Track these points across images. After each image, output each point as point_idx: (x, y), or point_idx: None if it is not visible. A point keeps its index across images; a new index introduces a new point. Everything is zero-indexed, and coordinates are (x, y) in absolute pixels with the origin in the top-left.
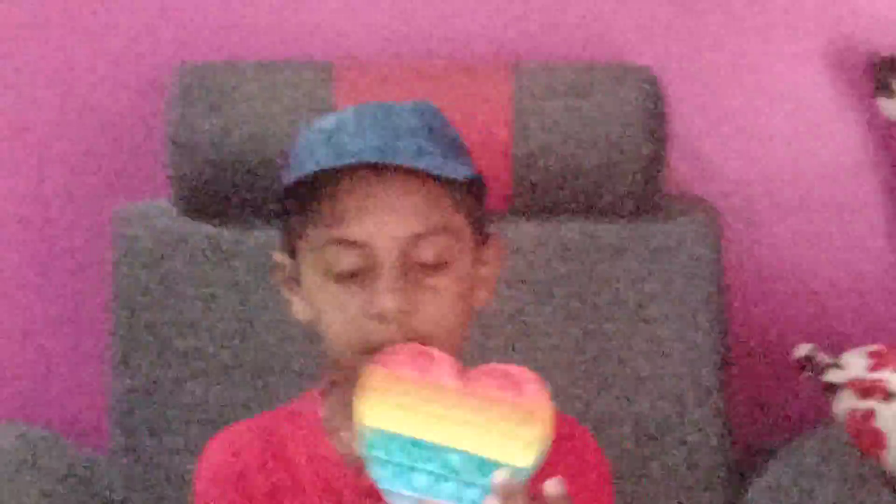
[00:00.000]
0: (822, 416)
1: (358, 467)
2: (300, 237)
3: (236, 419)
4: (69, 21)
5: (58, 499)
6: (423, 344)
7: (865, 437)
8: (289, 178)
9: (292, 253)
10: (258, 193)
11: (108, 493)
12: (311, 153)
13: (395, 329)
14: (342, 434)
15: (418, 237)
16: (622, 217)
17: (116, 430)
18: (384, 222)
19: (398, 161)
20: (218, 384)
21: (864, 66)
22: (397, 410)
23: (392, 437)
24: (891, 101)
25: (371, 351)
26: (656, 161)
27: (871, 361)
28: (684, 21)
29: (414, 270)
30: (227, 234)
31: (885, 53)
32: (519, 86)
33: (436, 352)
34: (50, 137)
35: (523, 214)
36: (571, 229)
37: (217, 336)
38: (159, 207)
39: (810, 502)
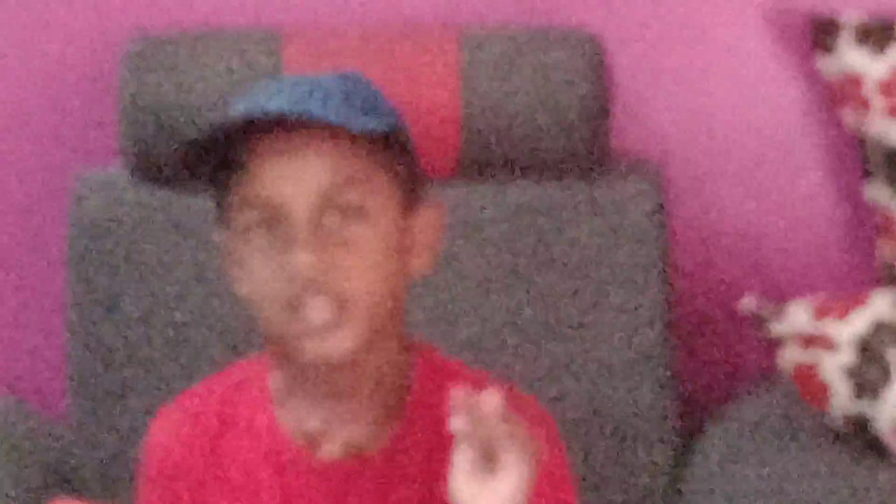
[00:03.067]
0: (769, 368)
1: (308, 443)
2: (227, 201)
3: (194, 384)
4: None
5: (20, 463)
6: (343, 300)
7: (811, 387)
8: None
9: (222, 217)
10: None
11: (69, 458)
12: (239, 101)
13: (313, 283)
14: (291, 407)
15: (330, 190)
16: (568, 179)
17: (75, 395)
18: (294, 178)
19: (312, 112)
20: (175, 349)
21: (804, 23)
22: None
23: None
24: (828, 60)
25: (296, 307)
26: (600, 123)
27: (813, 310)
28: None
29: (329, 225)
30: (179, 200)
31: (823, 11)
32: (465, 51)
33: None
34: (4, 105)
35: (471, 178)
36: (517, 192)
37: (173, 300)
38: (114, 174)
39: (757, 457)
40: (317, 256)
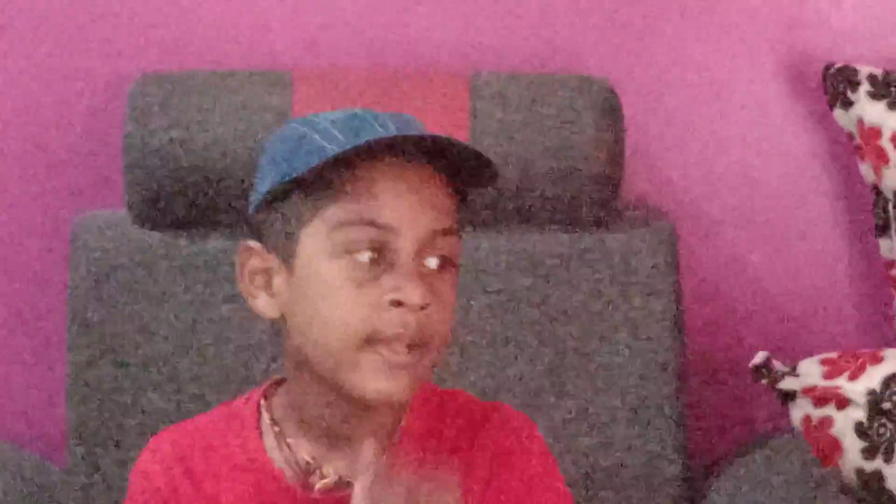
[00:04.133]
0: (779, 425)
1: (299, 477)
2: (306, 222)
3: None
4: (29, 31)
5: None
6: (423, 345)
7: (822, 444)
8: (305, 162)
9: (290, 230)
10: (214, 203)
11: (65, 502)
12: (331, 140)
13: (411, 322)
14: (289, 440)
15: (436, 233)
16: (580, 228)
17: (74, 440)
18: (414, 210)
19: (446, 139)
20: (175, 394)
21: (820, 77)
22: None
23: None
24: (845, 112)
25: (376, 342)
26: (614, 172)
27: (825, 369)
28: (641, 32)
29: (428, 266)
30: (182, 244)
31: (839, 64)
32: (476, 96)
33: None
34: (10, 146)
35: (482, 226)
36: (529, 240)
37: (173, 345)
38: (116, 216)
39: None
40: (426, 294)
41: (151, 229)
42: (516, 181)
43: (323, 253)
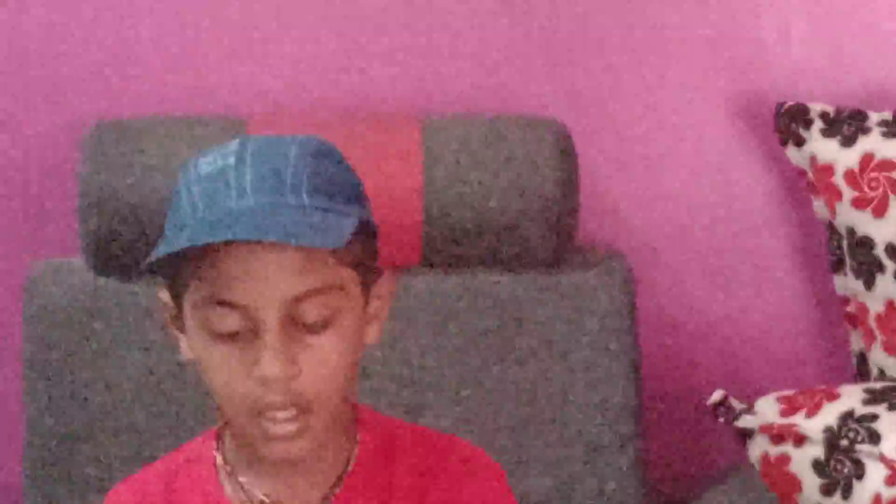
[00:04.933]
0: (737, 462)
1: None
2: (185, 287)
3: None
4: None
5: None
6: (307, 408)
7: (780, 481)
8: (172, 239)
9: (176, 294)
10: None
11: None
12: (192, 210)
13: (279, 392)
14: (240, 479)
15: (300, 298)
16: (535, 268)
17: (31, 489)
18: (265, 285)
19: (275, 237)
20: (133, 441)
21: (772, 115)
22: None
23: None
24: (798, 150)
25: (260, 413)
26: (569, 211)
27: (782, 406)
28: (593, 73)
29: (297, 330)
30: (138, 290)
31: (791, 102)
32: (429, 138)
33: None
34: None
35: (436, 267)
36: (484, 281)
37: (131, 392)
38: (72, 264)
39: None
40: (285, 365)
41: (107, 276)
42: (471, 222)
43: (194, 323)
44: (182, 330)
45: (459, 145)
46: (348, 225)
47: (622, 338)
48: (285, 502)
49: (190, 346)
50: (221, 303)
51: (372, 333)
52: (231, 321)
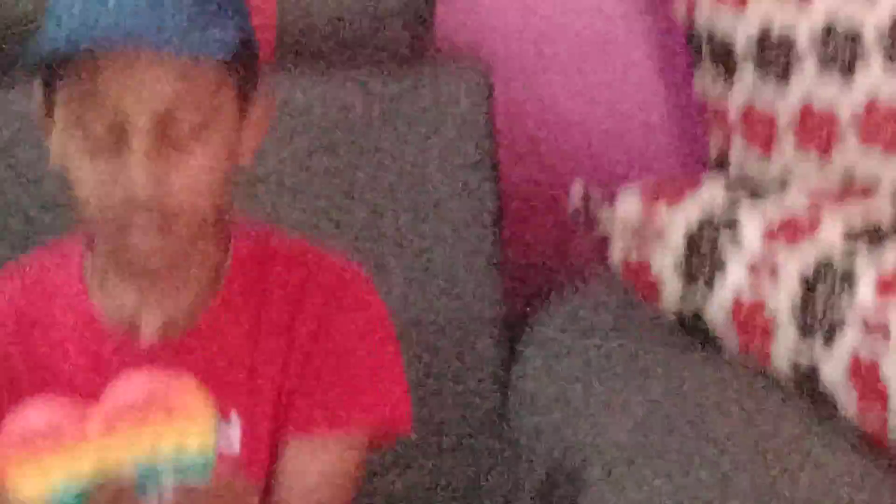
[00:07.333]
0: (597, 264)
1: (126, 328)
2: (56, 89)
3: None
4: None
5: None
6: (171, 216)
7: (642, 284)
8: (44, 38)
9: (49, 88)
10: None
11: None
12: (69, 10)
13: (144, 207)
14: (107, 291)
15: (174, 108)
16: (392, 70)
17: None
18: (140, 90)
19: (156, 44)
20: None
21: None
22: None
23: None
24: None
25: (122, 227)
26: (424, 10)
27: (644, 197)
28: None
29: (167, 143)
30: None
31: None
32: None
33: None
34: None
35: (290, 66)
36: (338, 83)
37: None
38: None
39: (585, 354)
40: (151, 173)
41: None
42: (326, 19)
43: (64, 125)
44: (50, 131)
45: None
46: (228, 35)
47: (481, 140)
48: (152, 313)
49: (57, 149)
50: (92, 103)
51: (245, 157)
52: (102, 126)
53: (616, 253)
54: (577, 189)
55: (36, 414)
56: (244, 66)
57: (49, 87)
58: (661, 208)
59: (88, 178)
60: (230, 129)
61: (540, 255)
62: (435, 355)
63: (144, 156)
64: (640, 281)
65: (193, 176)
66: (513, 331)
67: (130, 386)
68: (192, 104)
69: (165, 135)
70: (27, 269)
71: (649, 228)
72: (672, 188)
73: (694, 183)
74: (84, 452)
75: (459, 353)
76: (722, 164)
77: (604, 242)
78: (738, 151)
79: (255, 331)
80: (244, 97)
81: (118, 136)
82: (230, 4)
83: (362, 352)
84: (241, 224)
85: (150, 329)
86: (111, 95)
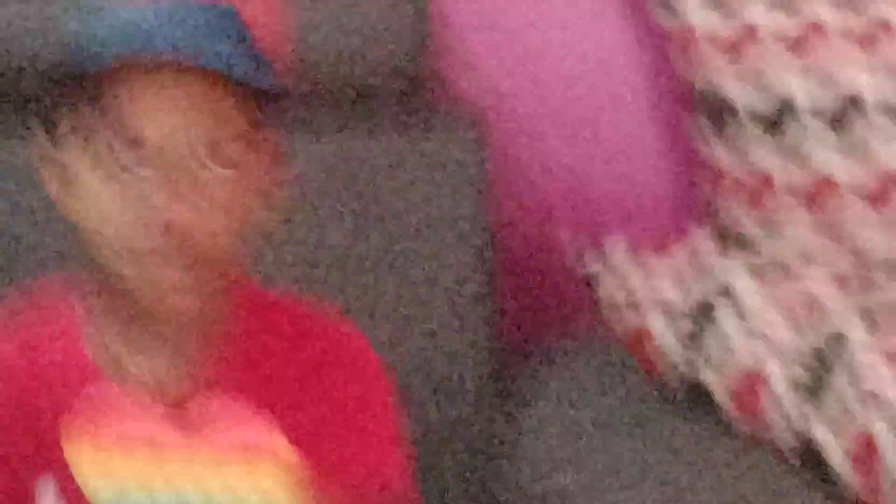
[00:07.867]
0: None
1: (116, 376)
2: (73, 119)
3: None
4: None
5: None
6: (200, 258)
7: (640, 351)
8: (80, 58)
9: (50, 129)
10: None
11: None
12: (88, 25)
13: (173, 241)
14: (104, 338)
15: (210, 138)
16: (387, 125)
17: None
18: (173, 117)
19: (206, 62)
20: None
21: None
22: (122, 472)
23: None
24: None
25: (148, 260)
26: (419, 58)
27: (631, 246)
28: None
29: (194, 170)
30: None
31: None
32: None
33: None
34: None
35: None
36: (332, 141)
37: None
38: None
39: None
40: (185, 208)
41: None
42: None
43: (84, 159)
44: (54, 174)
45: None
46: (249, 59)
47: (475, 193)
48: (146, 368)
49: (66, 180)
50: (110, 120)
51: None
52: (132, 155)
53: (607, 308)
54: (573, 243)
55: (133, 414)
56: (270, 101)
57: (50, 122)
58: (651, 260)
59: (102, 202)
60: (258, 173)
61: (535, 310)
62: (429, 413)
63: (177, 186)
64: (637, 345)
65: (225, 217)
66: (507, 384)
67: (233, 419)
68: (227, 138)
69: (198, 173)
70: (16, 317)
71: (640, 285)
72: (659, 239)
73: (682, 233)
74: (173, 469)
75: (454, 410)
76: (713, 215)
77: (597, 298)
78: (728, 203)
79: (253, 393)
80: (269, 138)
81: (150, 162)
82: (245, 33)
83: (354, 407)
84: (241, 279)
85: (140, 381)
86: (130, 111)
